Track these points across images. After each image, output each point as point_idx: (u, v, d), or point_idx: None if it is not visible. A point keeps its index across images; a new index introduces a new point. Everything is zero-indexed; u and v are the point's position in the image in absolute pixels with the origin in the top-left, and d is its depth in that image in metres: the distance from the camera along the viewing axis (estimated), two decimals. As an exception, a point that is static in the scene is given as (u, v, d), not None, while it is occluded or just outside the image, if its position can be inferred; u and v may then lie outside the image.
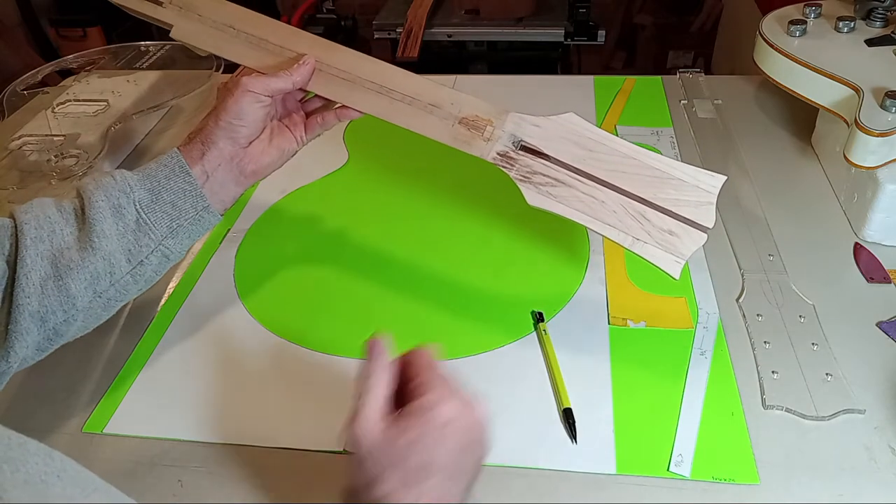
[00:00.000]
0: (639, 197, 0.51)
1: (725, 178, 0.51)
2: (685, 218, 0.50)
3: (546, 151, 0.52)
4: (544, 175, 0.51)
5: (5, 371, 0.44)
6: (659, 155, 0.52)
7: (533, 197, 0.51)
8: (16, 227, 0.45)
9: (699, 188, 0.51)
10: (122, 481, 0.49)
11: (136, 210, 0.47)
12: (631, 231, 0.50)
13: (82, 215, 0.47)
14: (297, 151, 0.55)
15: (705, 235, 0.50)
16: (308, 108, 0.56)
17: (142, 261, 0.48)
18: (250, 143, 0.52)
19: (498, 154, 0.53)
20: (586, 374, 0.55)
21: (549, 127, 0.52)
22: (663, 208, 0.50)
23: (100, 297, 0.47)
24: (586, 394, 0.53)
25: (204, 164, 0.49)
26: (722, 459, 0.48)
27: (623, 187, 0.51)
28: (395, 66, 0.54)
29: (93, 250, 0.45)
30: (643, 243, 0.50)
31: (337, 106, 0.55)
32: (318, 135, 0.56)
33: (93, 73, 0.98)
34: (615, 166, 0.51)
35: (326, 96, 0.55)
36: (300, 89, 0.54)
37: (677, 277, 0.50)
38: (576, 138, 0.52)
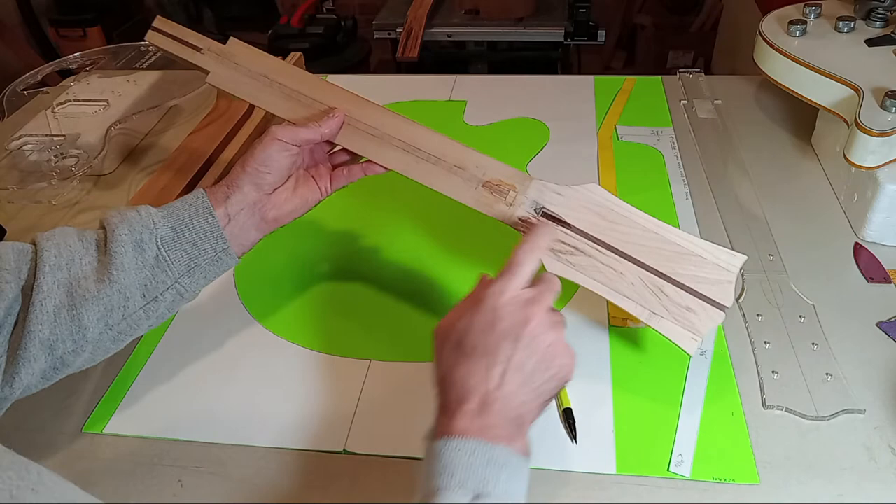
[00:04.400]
0: (658, 271, 0.51)
1: (746, 257, 0.52)
2: (703, 295, 0.50)
3: (567, 220, 0.52)
4: (564, 243, 0.52)
5: (7, 397, 0.44)
6: (680, 230, 0.52)
7: (552, 264, 0.51)
8: (36, 252, 0.45)
9: (719, 266, 0.51)
10: (122, 481, 0.49)
11: (157, 246, 0.48)
12: (648, 305, 0.50)
13: (104, 247, 0.47)
14: (319, 202, 0.56)
15: (723, 314, 0.50)
16: (335, 160, 0.57)
17: (156, 297, 0.48)
18: (274, 190, 0.52)
19: (519, 219, 0.53)
20: (586, 374, 0.54)
21: (572, 196, 0.52)
22: (682, 284, 0.51)
23: (111, 329, 0.47)
24: (586, 394, 0.53)
25: (227, 207, 0.50)
26: (722, 459, 0.48)
27: (643, 261, 0.51)
28: (423, 126, 0.55)
29: (110, 283, 0.45)
30: (660, 318, 0.50)
31: (364, 160, 0.56)
32: (343, 186, 0.57)
33: (93, 73, 0.99)
34: (636, 239, 0.51)
35: (353, 150, 0.55)
36: (328, 141, 0.55)
37: (692, 354, 0.51)
38: (597, 209, 0.52)
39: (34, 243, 0.46)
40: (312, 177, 0.55)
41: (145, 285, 0.47)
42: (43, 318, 0.43)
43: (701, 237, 0.67)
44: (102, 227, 0.48)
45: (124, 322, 0.47)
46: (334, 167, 0.57)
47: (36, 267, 0.45)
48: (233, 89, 0.57)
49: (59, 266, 0.45)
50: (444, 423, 0.40)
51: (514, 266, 0.44)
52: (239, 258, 0.52)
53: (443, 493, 0.36)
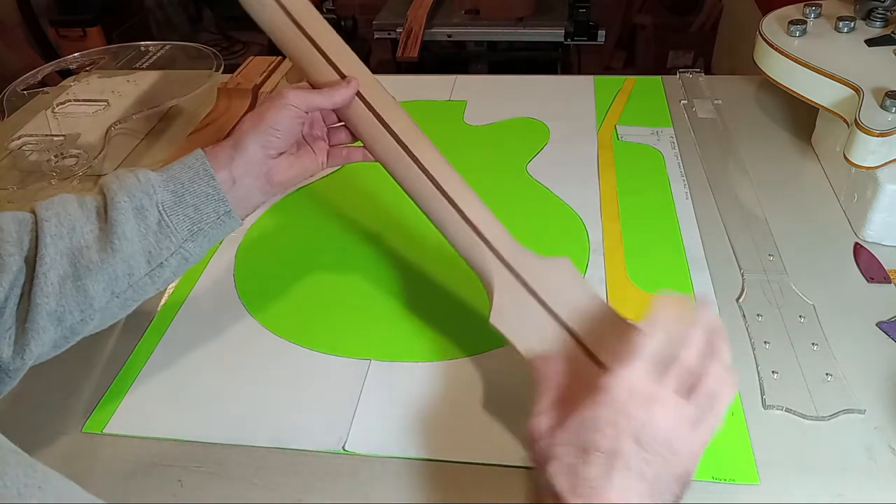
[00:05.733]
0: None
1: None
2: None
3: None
4: None
5: (20, 368, 0.44)
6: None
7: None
8: (36, 222, 0.45)
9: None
10: (122, 481, 0.49)
11: (159, 212, 0.47)
12: None
13: (104, 214, 0.46)
14: (316, 173, 0.56)
15: None
16: (333, 139, 0.57)
17: (161, 263, 0.47)
18: (279, 154, 0.52)
19: None
20: (586, 374, 0.54)
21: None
22: None
23: (117, 297, 0.47)
24: (586, 394, 0.53)
25: (232, 170, 0.50)
26: (722, 459, 0.48)
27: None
28: (432, 146, 0.52)
29: (113, 252, 0.45)
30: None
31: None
32: (341, 166, 0.57)
33: (93, 73, 0.99)
34: None
35: (353, 129, 0.54)
36: (333, 116, 0.55)
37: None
38: None
39: (33, 212, 0.46)
40: (312, 149, 0.55)
41: (149, 252, 0.47)
42: (48, 291, 0.43)
43: (701, 237, 0.68)
44: (101, 192, 0.48)
45: (130, 289, 0.47)
46: (331, 145, 0.56)
47: (37, 237, 0.44)
48: (267, 23, 0.55)
49: (61, 236, 0.45)
50: None
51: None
52: (242, 220, 0.52)
53: None
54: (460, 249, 0.51)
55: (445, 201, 0.50)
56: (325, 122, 0.56)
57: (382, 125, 0.52)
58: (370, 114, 0.53)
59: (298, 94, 0.51)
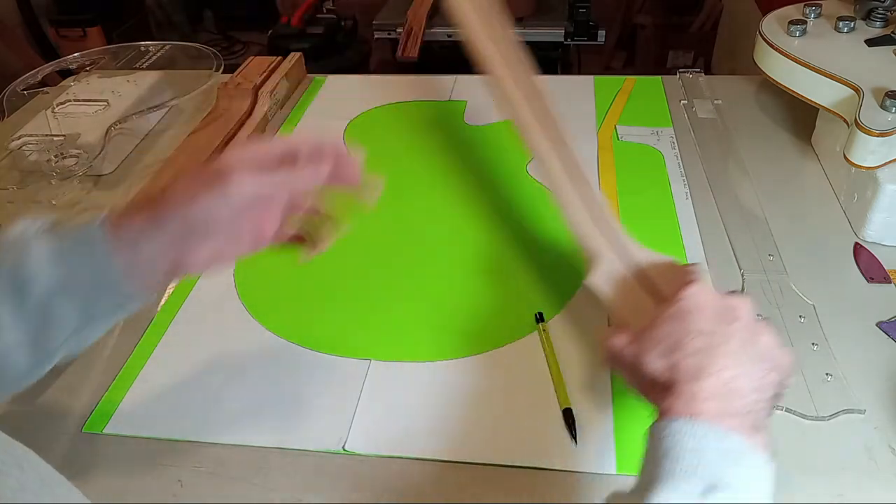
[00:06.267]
0: None
1: None
2: None
3: None
4: None
5: None
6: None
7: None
8: None
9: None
10: (122, 481, 0.49)
11: (42, 302, 0.39)
12: None
13: None
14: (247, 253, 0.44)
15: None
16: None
17: (47, 355, 0.40)
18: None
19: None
20: (586, 374, 0.55)
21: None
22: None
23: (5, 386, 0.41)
24: (586, 394, 0.53)
25: (138, 251, 0.40)
26: (722, 459, 0.48)
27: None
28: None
29: None
30: None
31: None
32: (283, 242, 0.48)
33: (93, 73, 0.98)
34: None
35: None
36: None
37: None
38: None
39: None
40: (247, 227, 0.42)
41: (33, 342, 0.39)
42: None
43: (701, 237, 0.68)
44: None
45: (14, 384, 0.41)
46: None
47: None
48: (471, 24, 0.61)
49: None
50: (664, 407, 0.36)
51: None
52: (154, 298, 0.44)
53: (666, 483, 0.31)
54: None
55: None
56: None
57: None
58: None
59: (251, 176, 0.40)
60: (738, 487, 0.31)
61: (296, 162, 0.43)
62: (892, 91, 0.63)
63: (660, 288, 0.49)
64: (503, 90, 0.63)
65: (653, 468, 0.33)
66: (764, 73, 0.78)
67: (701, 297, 0.41)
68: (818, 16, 0.79)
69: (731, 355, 0.37)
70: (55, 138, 0.82)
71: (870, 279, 0.62)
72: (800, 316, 0.58)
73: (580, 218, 0.55)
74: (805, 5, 0.79)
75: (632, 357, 0.41)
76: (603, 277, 0.51)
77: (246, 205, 0.41)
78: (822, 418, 0.50)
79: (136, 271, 0.40)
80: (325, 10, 2.15)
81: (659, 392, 0.38)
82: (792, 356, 0.40)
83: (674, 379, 0.37)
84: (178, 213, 0.40)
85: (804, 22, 0.77)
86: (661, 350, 0.39)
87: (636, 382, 0.42)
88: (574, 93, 0.95)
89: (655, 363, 0.39)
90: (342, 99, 0.98)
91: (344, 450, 0.50)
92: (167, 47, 1.03)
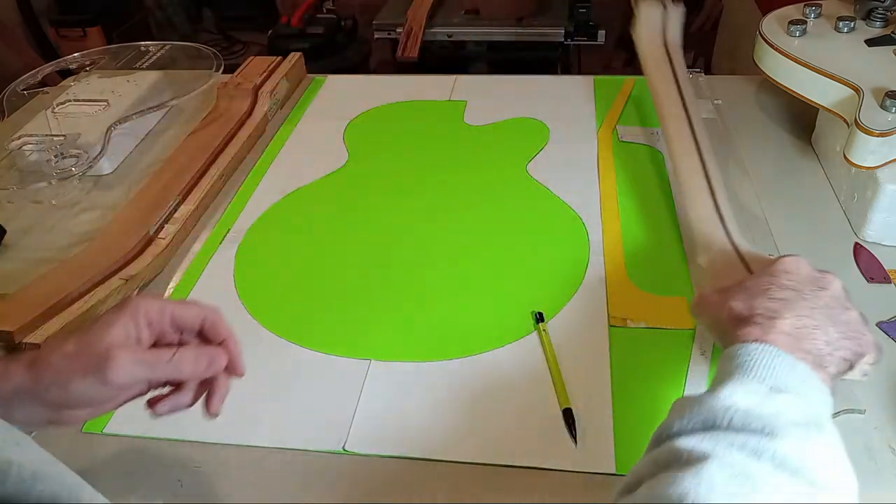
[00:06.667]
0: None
1: None
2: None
3: None
4: None
5: None
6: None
7: None
8: None
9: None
10: (122, 481, 0.49)
11: None
12: None
13: None
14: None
15: None
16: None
17: None
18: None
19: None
20: (586, 374, 0.55)
21: None
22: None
23: None
24: (586, 394, 0.53)
25: (14, 400, 0.39)
26: (722, 459, 0.48)
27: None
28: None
29: None
30: None
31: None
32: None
33: (93, 73, 0.98)
34: None
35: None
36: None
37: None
38: None
39: None
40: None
41: None
42: None
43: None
44: None
45: None
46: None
47: None
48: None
49: None
50: (741, 335, 0.40)
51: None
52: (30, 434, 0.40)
53: (735, 383, 0.35)
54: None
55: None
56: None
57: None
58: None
59: (131, 363, 0.39)
60: (802, 394, 0.36)
61: (182, 334, 0.43)
62: (892, 91, 0.63)
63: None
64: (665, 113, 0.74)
65: (723, 377, 0.37)
66: (764, 73, 0.78)
67: (797, 263, 0.45)
68: (818, 16, 0.79)
69: (813, 311, 0.41)
70: (55, 138, 0.82)
71: (870, 279, 0.62)
72: (800, 316, 0.58)
73: (703, 213, 0.62)
74: (805, 5, 0.79)
75: (719, 300, 0.45)
76: (715, 255, 0.58)
77: (125, 386, 0.40)
78: (822, 418, 0.50)
79: (10, 416, 0.37)
80: (325, 10, 2.16)
81: (736, 324, 0.42)
82: (875, 339, 0.43)
83: (753, 314, 0.41)
84: (54, 387, 0.39)
85: (804, 22, 0.77)
86: (748, 294, 0.43)
87: (717, 322, 0.45)
88: (574, 93, 0.95)
89: (739, 304, 0.43)
90: (342, 99, 0.99)
91: (344, 450, 0.50)
92: (167, 47, 1.03)
